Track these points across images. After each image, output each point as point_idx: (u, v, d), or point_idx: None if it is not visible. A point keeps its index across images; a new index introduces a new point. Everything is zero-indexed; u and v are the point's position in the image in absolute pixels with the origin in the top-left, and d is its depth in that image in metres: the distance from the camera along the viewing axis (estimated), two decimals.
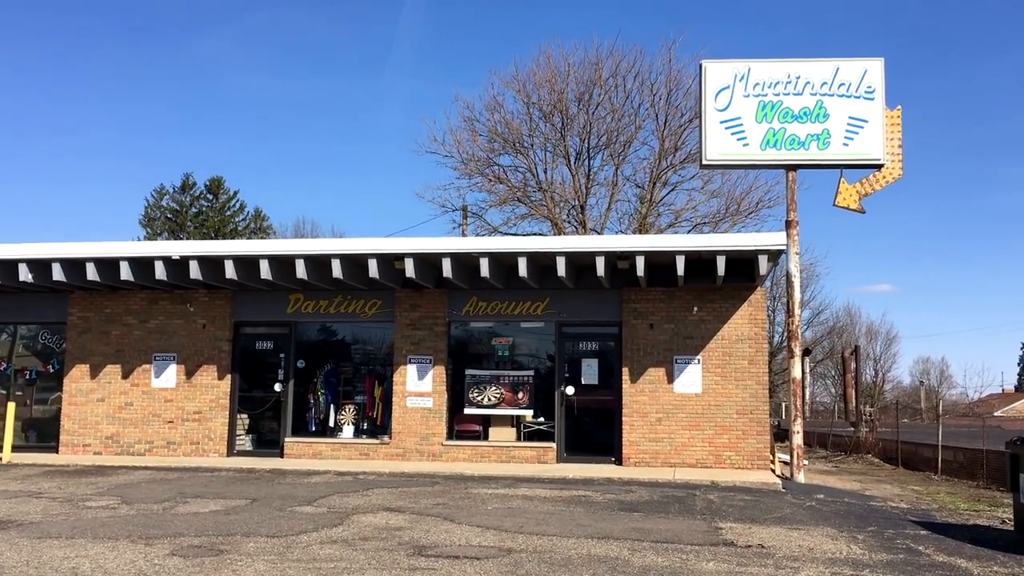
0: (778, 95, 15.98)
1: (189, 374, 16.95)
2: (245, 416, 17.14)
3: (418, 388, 16.31)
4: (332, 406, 16.86)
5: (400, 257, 14.89)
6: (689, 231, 32.09)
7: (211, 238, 50.62)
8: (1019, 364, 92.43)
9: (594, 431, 16.16)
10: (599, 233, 31.37)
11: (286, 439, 16.62)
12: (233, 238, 52.09)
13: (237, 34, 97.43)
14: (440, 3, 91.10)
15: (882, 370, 70.78)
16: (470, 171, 32.38)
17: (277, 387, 16.88)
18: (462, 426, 16.39)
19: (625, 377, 15.76)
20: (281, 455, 16.50)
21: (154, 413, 16.97)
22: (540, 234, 32.16)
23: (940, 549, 8.86)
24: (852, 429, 26.46)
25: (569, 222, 32.10)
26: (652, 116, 31.58)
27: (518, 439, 16.16)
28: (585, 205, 32.03)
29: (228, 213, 56.26)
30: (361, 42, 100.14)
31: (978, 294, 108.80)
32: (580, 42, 49.12)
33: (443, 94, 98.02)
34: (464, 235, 31.78)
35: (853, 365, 29.64)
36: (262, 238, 53.09)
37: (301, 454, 16.41)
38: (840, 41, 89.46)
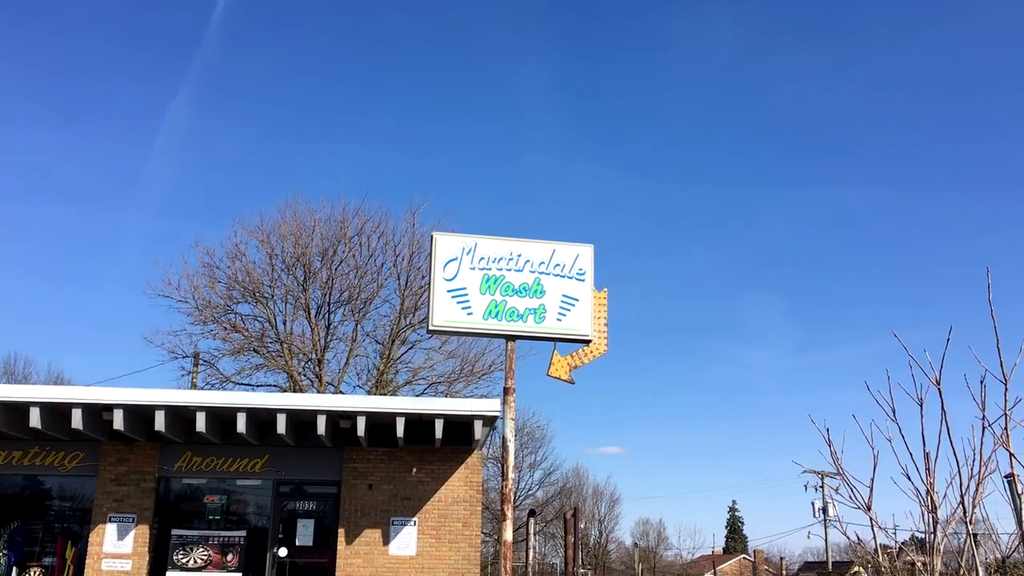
0: (501, 270, 17.22)
1: None
2: None
3: (117, 549, 15.19)
4: (15, 569, 15.25)
5: (109, 408, 14.16)
6: (425, 389, 32.85)
7: None
8: (726, 527, 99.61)
9: None
10: (336, 388, 31.31)
11: None
12: None
13: None
14: (191, 146, 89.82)
15: (606, 531, 74.05)
16: (205, 318, 31.51)
17: None
18: None
19: (341, 538, 15.61)
20: None
21: None
22: (276, 385, 31.57)
23: None
24: None
25: (305, 375, 31.83)
26: (395, 275, 32.65)
27: None
28: (323, 359, 31.98)
29: None
30: (101, 175, 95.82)
31: (692, 459, 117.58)
32: (327, 200, 50.17)
33: (184, 236, 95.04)
34: (194, 384, 30.54)
35: (572, 527, 30.92)
36: None
37: None
38: (574, 223, 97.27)
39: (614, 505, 72.49)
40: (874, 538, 9.82)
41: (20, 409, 14.00)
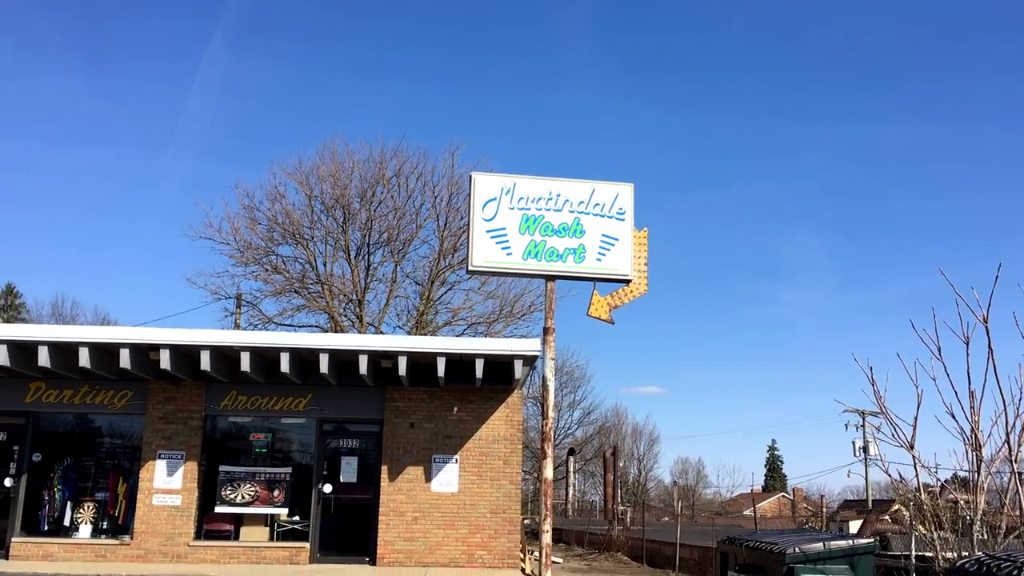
0: (540, 210, 17.08)
1: None
2: None
3: (167, 485, 15.60)
4: (69, 503, 15.75)
5: (156, 348, 14.41)
6: (465, 330, 32.99)
7: None
8: (766, 466, 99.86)
9: (351, 530, 16.04)
10: (376, 328, 31.57)
11: (13, 539, 15.29)
12: None
13: (2, 98, 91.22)
14: (229, 91, 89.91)
15: (645, 469, 74.58)
16: (247, 259, 31.80)
17: (7, 482, 15.59)
18: (212, 525, 15.76)
19: (384, 475, 15.87)
20: (6, 556, 15.14)
21: None
22: (317, 326, 31.89)
23: None
24: (608, 527, 27.66)
25: (346, 316, 32.09)
26: (433, 216, 32.57)
27: (271, 539, 15.75)
28: (363, 300, 32.19)
29: None
30: (143, 120, 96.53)
31: (732, 399, 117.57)
32: (365, 141, 50.03)
33: (224, 180, 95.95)
34: (237, 325, 30.94)
35: (613, 464, 31.17)
36: (13, 316, 49.11)
37: (30, 555, 15.13)
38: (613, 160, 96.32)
39: (653, 444, 73.06)
40: (916, 476, 9.73)
41: (70, 349, 14.30)
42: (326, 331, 30.57)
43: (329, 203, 32.07)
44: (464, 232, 32.22)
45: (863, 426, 50.77)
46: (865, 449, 50.24)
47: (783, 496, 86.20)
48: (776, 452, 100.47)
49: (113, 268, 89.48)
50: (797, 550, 9.17)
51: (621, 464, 44.67)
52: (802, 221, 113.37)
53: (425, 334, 29.94)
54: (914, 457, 9.45)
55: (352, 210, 32.08)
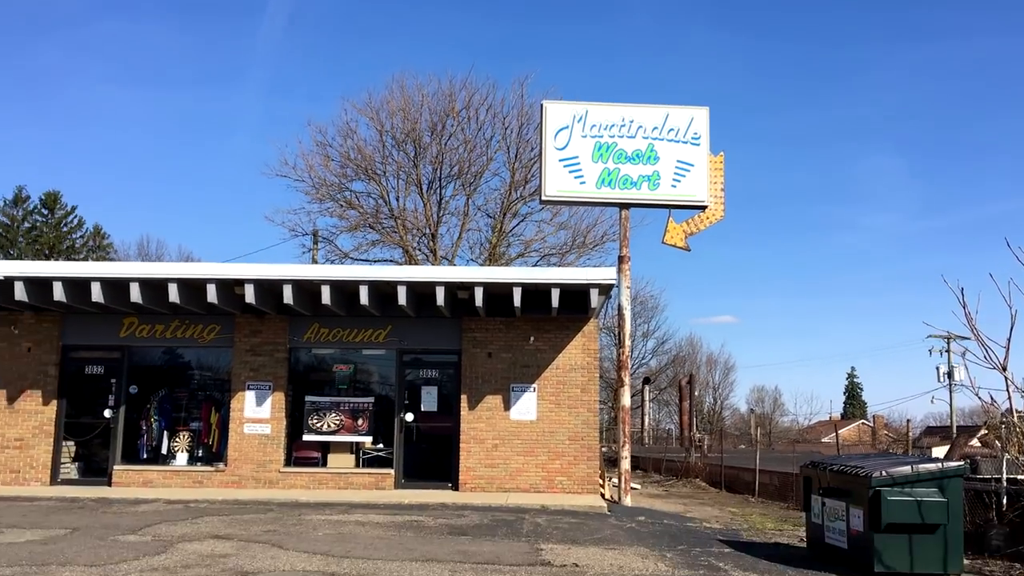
0: (613, 137, 16.88)
1: (11, 399, 16.20)
2: (72, 443, 16.49)
3: (256, 414, 16.18)
4: (166, 433, 16.48)
5: (240, 283, 14.81)
6: (538, 261, 33.06)
7: (45, 255, 48.19)
8: (844, 393, 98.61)
9: (432, 457, 16.45)
10: (450, 261, 31.85)
11: (115, 467, 16.11)
12: (69, 255, 49.75)
13: (80, 43, 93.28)
14: (297, 26, 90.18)
15: (720, 398, 74.43)
16: (322, 196, 32.30)
17: (107, 413, 16.36)
18: (301, 453, 16.34)
19: (464, 404, 16.16)
20: (109, 484, 15.98)
21: None
22: (392, 260, 32.34)
23: (738, 565, 9.64)
24: (685, 454, 27.81)
25: (420, 250, 32.44)
26: (504, 148, 32.45)
27: (357, 465, 16.27)
28: (436, 234, 32.45)
29: (65, 229, 53.63)
30: (214, 59, 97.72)
31: (809, 327, 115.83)
32: (434, 74, 49.84)
33: (296, 116, 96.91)
34: (314, 260, 31.56)
35: (689, 393, 31.16)
36: (102, 256, 50.89)
37: (131, 482, 15.94)
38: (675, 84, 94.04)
39: (728, 372, 72.66)
40: (1009, 399, 9.49)
41: (160, 285, 14.80)
42: (401, 265, 31.01)
43: (400, 137, 32.21)
44: (535, 163, 32.14)
45: (948, 351, 49.70)
46: (950, 374, 49.19)
47: (863, 423, 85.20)
48: (855, 379, 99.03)
49: (194, 208, 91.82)
50: (884, 473, 9.07)
51: (696, 393, 44.64)
52: (881, 143, 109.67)
53: (498, 266, 30.03)
54: (1007, 379, 9.23)
55: (423, 144, 32.18)
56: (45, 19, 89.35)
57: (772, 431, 79.17)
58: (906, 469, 9.16)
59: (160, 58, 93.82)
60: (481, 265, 31.58)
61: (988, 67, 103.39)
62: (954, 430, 42.15)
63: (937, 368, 50.40)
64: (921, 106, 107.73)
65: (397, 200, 32.59)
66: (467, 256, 34.10)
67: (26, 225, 52.94)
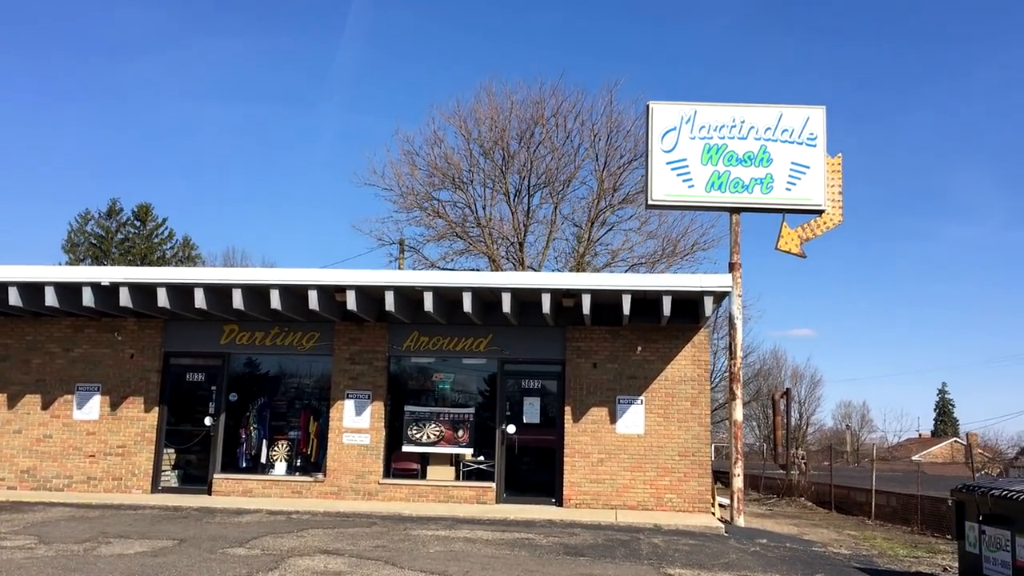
0: (723, 138, 16.14)
1: (114, 406, 16.19)
2: (172, 451, 16.40)
3: (355, 424, 15.84)
4: (264, 441, 16.26)
5: (342, 289, 14.49)
6: (626, 271, 32.24)
7: (137, 265, 49.22)
8: (935, 410, 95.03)
9: (535, 471, 15.88)
10: (536, 271, 31.32)
11: (215, 475, 15.93)
12: (161, 266, 50.74)
13: (169, 61, 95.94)
14: (378, 37, 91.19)
15: (806, 413, 72.21)
16: (408, 205, 32.08)
17: (207, 421, 16.22)
18: (400, 464, 15.94)
19: (567, 416, 15.56)
20: (209, 492, 15.81)
21: (75, 446, 16.12)
22: (478, 269, 31.95)
23: None
24: (783, 471, 26.66)
25: (507, 259, 31.97)
26: (592, 156, 31.78)
27: (457, 478, 15.78)
28: (523, 242, 31.95)
29: (156, 240, 54.79)
30: (295, 74, 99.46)
31: (895, 341, 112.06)
32: (523, 80, 49.42)
33: (378, 128, 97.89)
34: (400, 268, 31.38)
35: (783, 407, 29.95)
36: (192, 266, 51.82)
37: (230, 491, 15.74)
38: (774, 89, 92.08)
39: (815, 387, 70.51)
40: None
41: (262, 292, 14.58)
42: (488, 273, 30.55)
43: (488, 146, 31.82)
44: (623, 171, 31.49)
45: None
46: None
47: (955, 441, 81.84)
48: (947, 395, 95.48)
49: (276, 220, 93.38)
50: None
51: (792, 407, 43.05)
52: (968, 152, 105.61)
53: (607, 273, 29.33)
54: None
55: (511, 152, 31.72)
56: (135, 38, 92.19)
57: (859, 448, 76.62)
58: None
59: (241, 76, 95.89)
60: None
61: None
62: None
63: None
64: (1009, 112, 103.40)
65: (484, 209, 32.22)
66: (552, 266, 33.48)
67: (119, 236, 54.25)
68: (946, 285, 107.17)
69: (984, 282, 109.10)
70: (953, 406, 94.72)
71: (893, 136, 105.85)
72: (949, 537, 14.74)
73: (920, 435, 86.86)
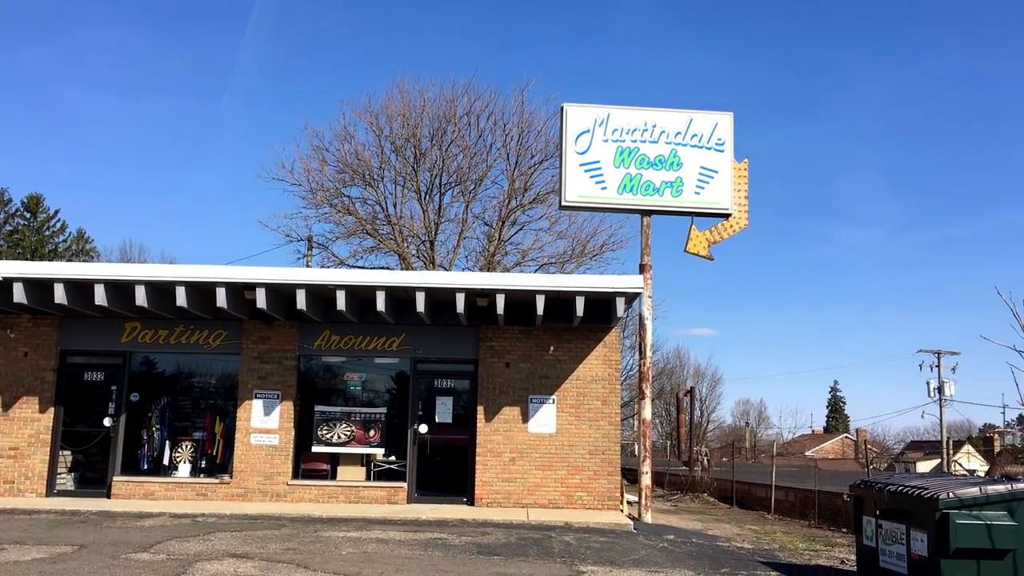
0: (635, 142, 16.41)
1: (6, 406, 15.45)
2: (68, 453, 15.74)
3: (264, 424, 15.51)
4: (168, 442, 15.76)
5: (251, 287, 14.16)
6: (536, 270, 32.45)
7: (27, 258, 47.04)
8: (827, 407, 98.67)
9: (447, 470, 15.84)
10: (447, 269, 31.24)
11: (115, 478, 15.37)
12: (52, 259, 48.63)
13: (64, 48, 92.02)
14: (282, 33, 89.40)
15: (707, 410, 74.02)
16: (318, 201, 31.57)
17: (107, 422, 15.63)
18: (309, 465, 15.67)
19: (480, 416, 15.58)
20: (108, 495, 15.25)
21: None
22: (388, 267, 31.65)
23: None
24: (686, 468, 27.30)
25: (418, 257, 31.79)
26: (503, 156, 31.86)
27: (368, 479, 15.62)
28: (435, 241, 31.82)
29: (47, 233, 52.50)
30: (197, 67, 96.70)
31: (791, 340, 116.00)
32: (436, 78, 49.13)
33: (286, 124, 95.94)
34: (309, 266, 30.86)
35: (687, 405, 30.67)
36: (87, 260, 49.86)
37: (131, 494, 15.21)
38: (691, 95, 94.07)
39: (715, 385, 72.31)
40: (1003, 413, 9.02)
41: (167, 289, 14.13)
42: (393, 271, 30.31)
43: (399, 143, 31.57)
44: (534, 171, 31.67)
45: (939, 366, 49.63)
46: (940, 390, 49.25)
47: (846, 437, 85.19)
48: (838, 393, 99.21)
49: (177, 214, 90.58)
50: (951, 495, 8.61)
51: (695, 404, 44.08)
52: (863, 160, 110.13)
53: (520, 273, 29.39)
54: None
55: (422, 150, 31.54)
56: (28, 23, 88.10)
57: (756, 444, 78.96)
58: (974, 491, 8.71)
59: (144, 63, 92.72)
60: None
61: (983, 82, 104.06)
62: (946, 444, 41.98)
63: (927, 383, 50.35)
64: (902, 124, 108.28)
65: (395, 207, 31.96)
66: (463, 264, 33.45)
67: (7, 228, 51.80)
68: (839, 287, 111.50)
69: (874, 284, 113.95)
70: (844, 403, 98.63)
71: (792, 143, 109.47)
72: (845, 531, 15.35)
73: (813, 431, 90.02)
